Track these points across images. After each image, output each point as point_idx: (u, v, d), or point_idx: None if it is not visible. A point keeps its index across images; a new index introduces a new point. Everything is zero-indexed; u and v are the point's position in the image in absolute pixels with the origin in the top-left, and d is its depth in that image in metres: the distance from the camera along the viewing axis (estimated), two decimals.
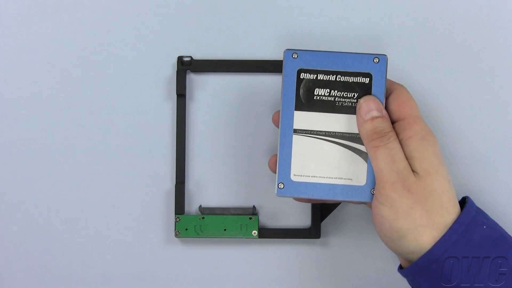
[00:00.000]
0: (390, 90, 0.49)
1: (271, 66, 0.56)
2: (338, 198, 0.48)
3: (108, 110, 0.56)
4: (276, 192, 0.49)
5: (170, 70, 0.56)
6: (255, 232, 0.55)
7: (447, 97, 0.56)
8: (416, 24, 0.56)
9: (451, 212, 0.46)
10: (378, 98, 0.48)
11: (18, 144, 0.56)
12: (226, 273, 0.56)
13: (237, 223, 0.55)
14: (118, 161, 0.56)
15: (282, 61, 0.55)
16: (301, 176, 0.48)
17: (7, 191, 0.56)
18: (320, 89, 0.49)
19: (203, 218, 0.55)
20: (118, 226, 0.56)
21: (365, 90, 0.48)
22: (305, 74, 0.49)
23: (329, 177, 0.48)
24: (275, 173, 0.49)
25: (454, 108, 0.56)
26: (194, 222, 0.55)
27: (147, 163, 0.56)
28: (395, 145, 0.46)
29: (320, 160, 0.48)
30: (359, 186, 0.48)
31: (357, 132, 0.48)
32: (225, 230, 0.55)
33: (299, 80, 0.49)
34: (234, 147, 0.56)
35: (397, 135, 0.47)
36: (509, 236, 0.47)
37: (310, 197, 0.49)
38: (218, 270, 0.56)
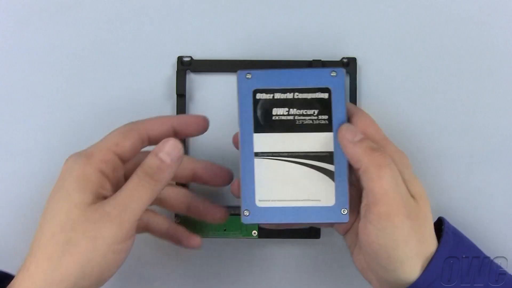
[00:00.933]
0: (349, 114, 0.47)
1: (271, 66, 0.56)
2: (308, 221, 0.46)
3: (108, 110, 0.56)
4: (242, 220, 0.47)
5: (170, 70, 0.56)
6: (255, 232, 0.55)
7: (446, 97, 0.56)
8: (417, 25, 0.56)
9: (434, 240, 0.45)
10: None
11: (18, 143, 0.56)
12: (226, 273, 0.56)
13: (237, 223, 0.55)
14: None
15: (281, 61, 0.55)
16: (266, 201, 0.46)
17: (8, 190, 0.56)
18: (278, 109, 0.47)
19: None
20: None
21: (325, 105, 0.46)
22: (261, 94, 0.47)
23: (296, 200, 0.46)
24: (239, 198, 0.47)
25: (454, 109, 0.56)
26: (194, 222, 0.55)
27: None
28: (394, 166, 0.44)
29: (285, 182, 0.46)
30: (328, 207, 0.46)
31: (322, 150, 0.46)
32: (225, 230, 0.55)
33: (256, 101, 0.47)
34: (234, 146, 0.56)
35: None
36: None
37: (278, 222, 0.46)
38: (218, 270, 0.56)
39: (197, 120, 0.49)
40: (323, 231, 0.55)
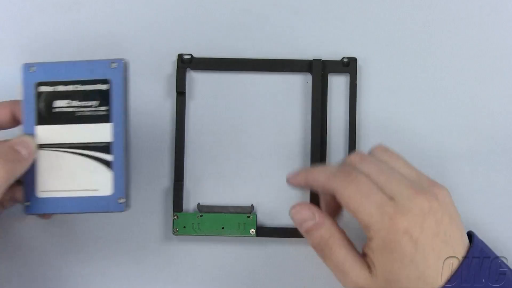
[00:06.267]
0: (332, 193, 0.46)
1: (271, 65, 0.56)
2: (87, 210, 0.48)
3: None
4: (24, 210, 0.48)
5: (170, 67, 0.56)
6: (253, 231, 0.55)
7: (447, 97, 0.56)
8: (417, 25, 0.56)
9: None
10: (308, 204, 0.48)
11: None
12: (224, 271, 0.56)
13: (235, 221, 0.55)
14: None
15: (281, 60, 0.55)
16: (48, 191, 0.48)
17: None
18: (59, 101, 0.48)
19: (201, 216, 0.55)
20: (116, 223, 0.56)
21: (104, 96, 0.48)
22: (44, 87, 0.48)
23: (75, 190, 0.48)
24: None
25: (454, 108, 0.56)
26: (192, 220, 0.55)
27: (146, 160, 0.56)
28: (340, 252, 0.45)
29: (66, 173, 0.48)
30: (106, 196, 0.48)
31: (101, 141, 0.48)
32: (223, 228, 0.55)
33: (38, 94, 0.48)
34: (233, 145, 0.56)
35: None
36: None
37: (59, 212, 0.48)
38: (216, 268, 0.56)
39: None
40: None
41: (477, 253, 0.45)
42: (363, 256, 0.46)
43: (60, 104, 0.48)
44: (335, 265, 0.46)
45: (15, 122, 0.50)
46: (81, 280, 0.56)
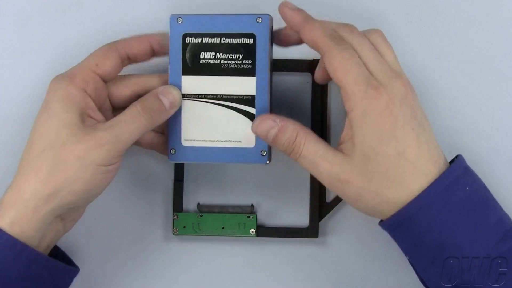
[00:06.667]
0: (321, 53, 0.46)
1: (277, 65, 0.55)
2: (230, 161, 0.49)
3: None
4: (168, 158, 0.49)
5: None
6: (253, 231, 0.55)
7: (447, 97, 0.56)
8: (417, 24, 0.56)
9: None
10: (266, 114, 0.47)
11: (19, 143, 0.56)
12: (224, 271, 0.56)
13: (235, 221, 0.55)
14: None
15: (281, 60, 0.55)
16: (191, 140, 0.49)
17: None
18: (205, 53, 0.49)
19: (201, 216, 0.55)
20: (116, 223, 0.56)
21: (249, 50, 0.49)
22: (191, 38, 0.49)
23: (218, 141, 0.49)
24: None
25: (454, 108, 0.56)
26: (192, 220, 0.55)
27: (146, 160, 0.56)
28: (309, 147, 0.45)
29: (210, 123, 0.49)
30: (248, 148, 0.49)
31: (245, 93, 0.49)
32: (223, 228, 0.55)
33: (185, 45, 0.49)
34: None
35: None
36: (492, 200, 0.46)
37: (202, 161, 0.49)
38: (216, 268, 0.56)
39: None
40: (321, 230, 0.55)
41: (462, 167, 0.46)
42: (340, 145, 0.46)
43: (206, 56, 0.49)
44: (307, 160, 0.46)
45: (152, 54, 0.50)
46: (81, 280, 0.56)
